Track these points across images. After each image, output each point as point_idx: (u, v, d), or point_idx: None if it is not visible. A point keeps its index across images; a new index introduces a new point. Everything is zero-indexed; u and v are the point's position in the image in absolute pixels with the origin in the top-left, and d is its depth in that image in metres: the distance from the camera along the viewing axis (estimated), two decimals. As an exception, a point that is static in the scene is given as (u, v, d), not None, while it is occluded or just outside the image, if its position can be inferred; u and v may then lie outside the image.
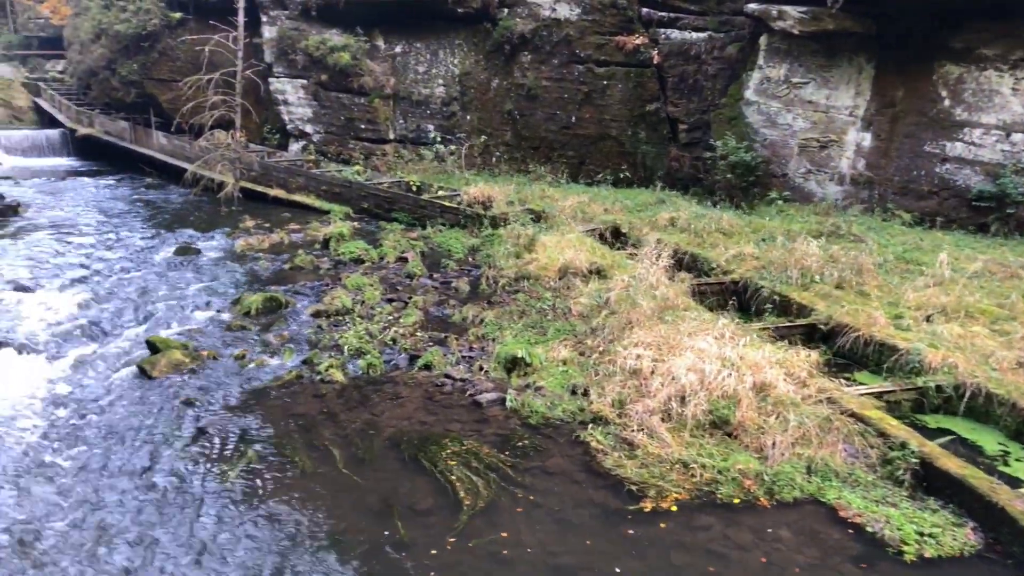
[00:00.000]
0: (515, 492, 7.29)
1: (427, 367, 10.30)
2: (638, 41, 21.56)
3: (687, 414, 8.12)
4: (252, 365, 10.54)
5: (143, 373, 10.20)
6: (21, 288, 13.70)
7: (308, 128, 25.16)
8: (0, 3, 60.15)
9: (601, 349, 9.95)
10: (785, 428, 7.77)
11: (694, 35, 21.01)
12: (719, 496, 7.13)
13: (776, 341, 9.68)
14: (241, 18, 22.39)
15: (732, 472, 7.35)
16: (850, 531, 6.66)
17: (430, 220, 18.63)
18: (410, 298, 13.05)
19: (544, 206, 17.73)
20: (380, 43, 24.47)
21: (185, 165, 25.92)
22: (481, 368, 10.20)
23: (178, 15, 27.15)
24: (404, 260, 15.54)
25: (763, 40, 18.74)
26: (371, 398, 9.49)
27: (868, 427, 7.70)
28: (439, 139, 23.76)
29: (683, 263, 13.37)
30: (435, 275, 14.60)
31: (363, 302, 12.84)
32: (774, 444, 7.63)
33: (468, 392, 9.54)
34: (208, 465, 7.82)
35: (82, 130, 33.11)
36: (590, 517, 6.95)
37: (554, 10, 22.26)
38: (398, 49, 24.54)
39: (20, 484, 7.46)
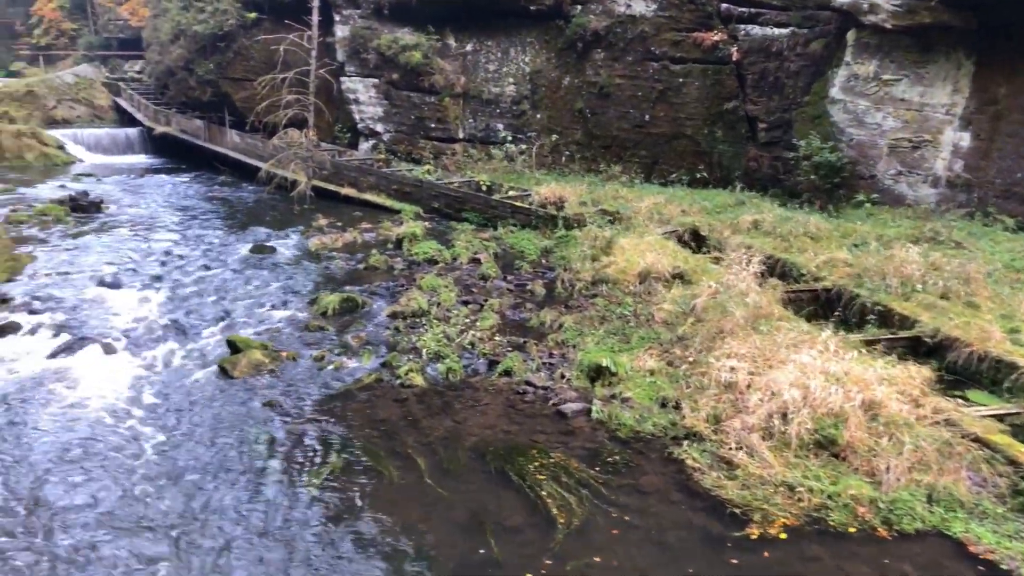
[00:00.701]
0: (609, 511, 6.93)
1: (507, 373, 10.02)
2: (716, 38, 20.88)
3: (790, 432, 7.62)
4: (331, 367, 10.43)
5: (224, 373, 10.20)
6: (105, 284, 13.96)
7: (378, 127, 25.21)
8: (82, 5, 62.72)
9: (691, 359, 9.50)
10: (900, 451, 7.21)
11: (776, 31, 20.22)
12: (831, 523, 6.64)
13: (878, 355, 9.07)
14: (315, 17, 22.53)
15: (843, 497, 6.85)
16: (981, 568, 6.10)
17: (501, 220, 18.37)
18: (486, 300, 12.81)
19: (618, 207, 17.27)
20: (451, 41, 24.35)
21: (258, 163, 26.33)
22: (563, 376, 9.87)
23: (253, 15, 27.57)
24: (477, 261, 15.32)
25: (851, 35, 17.89)
26: (452, 404, 9.26)
27: (994, 453, 7.09)
28: (509, 138, 23.50)
29: (771, 269, 12.76)
30: (509, 277, 14.33)
31: (439, 304, 12.65)
32: (888, 468, 7.08)
33: (551, 401, 9.22)
34: (292, 471, 7.69)
35: (159, 128, 34.03)
36: (690, 541, 6.55)
37: (629, 6, 21.74)
38: (469, 47, 24.38)
39: (106, 485, 7.45)
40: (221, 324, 12.18)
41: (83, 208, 20.65)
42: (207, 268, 15.24)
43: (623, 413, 8.65)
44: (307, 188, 21.86)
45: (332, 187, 22.85)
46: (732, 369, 8.78)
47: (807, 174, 18.04)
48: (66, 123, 38.59)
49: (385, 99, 24.92)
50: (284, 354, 10.82)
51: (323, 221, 19.50)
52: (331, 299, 12.76)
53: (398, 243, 16.86)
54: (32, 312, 12.40)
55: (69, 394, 9.59)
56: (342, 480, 7.50)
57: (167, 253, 16.48)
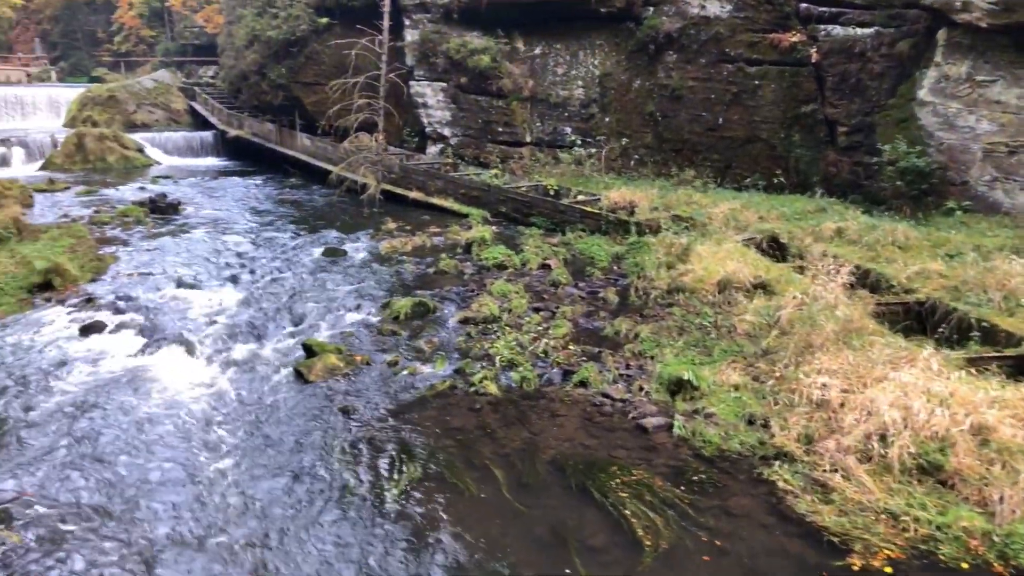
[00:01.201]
0: (698, 534, 6.62)
1: (583, 384, 9.77)
2: (795, 38, 20.22)
3: (890, 456, 7.17)
4: (405, 372, 10.35)
5: (300, 376, 10.23)
6: (184, 285, 14.25)
7: (446, 131, 25.27)
8: (160, 13, 65.07)
9: (778, 375, 9.09)
10: (1015, 480, 6.69)
11: (859, 31, 19.46)
12: (941, 557, 6.19)
13: (985, 374, 8.49)
14: (386, 22, 22.74)
15: (954, 529, 6.37)
16: (1113, 614, 5.59)
17: (569, 225, 18.12)
18: (557, 308, 12.59)
19: (692, 212, 16.84)
20: (520, 45, 24.25)
21: (327, 166, 26.73)
22: (641, 388, 9.56)
23: (325, 20, 28.02)
24: (547, 267, 15.11)
25: (941, 35, 17.03)
26: (528, 415, 9.06)
27: (1122, 486, 6.51)
28: (579, 142, 23.26)
29: (859, 280, 12.17)
30: (580, 284, 14.08)
31: (510, 310, 12.48)
32: (1002, 499, 6.58)
33: (630, 415, 8.93)
34: (369, 481, 7.60)
35: (232, 132, 34.93)
36: (786, 571, 6.19)
37: (703, 7, 21.25)
38: (537, 51, 24.23)
39: (184, 487, 7.49)
40: (296, 327, 12.27)
41: (162, 210, 21.24)
42: (281, 270, 15.43)
43: (707, 430, 8.30)
44: (376, 192, 22.02)
45: (400, 191, 22.98)
46: (824, 386, 8.35)
47: (892, 180, 17.25)
48: (145, 127, 40.00)
49: (453, 103, 24.97)
50: (358, 358, 10.80)
51: (392, 225, 19.60)
52: (403, 303, 12.73)
53: (467, 248, 16.79)
54: (116, 311, 12.73)
55: (151, 394, 9.74)
56: (420, 492, 7.37)
57: (242, 255, 16.77)
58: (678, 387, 9.29)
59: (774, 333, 10.21)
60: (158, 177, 29.46)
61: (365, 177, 22.56)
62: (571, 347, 10.93)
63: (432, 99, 25.16)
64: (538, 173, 23.11)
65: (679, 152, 22.40)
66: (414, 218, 20.65)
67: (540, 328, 11.72)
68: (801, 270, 12.55)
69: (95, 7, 71.19)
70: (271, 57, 30.08)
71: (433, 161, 24.81)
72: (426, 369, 10.52)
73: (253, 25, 30.32)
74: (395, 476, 7.65)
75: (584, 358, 10.57)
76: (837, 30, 19.90)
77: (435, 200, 22.05)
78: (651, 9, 22.28)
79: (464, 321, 12.22)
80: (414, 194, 22.66)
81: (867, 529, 6.52)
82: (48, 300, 13.46)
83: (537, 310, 12.55)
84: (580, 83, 23.64)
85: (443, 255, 16.27)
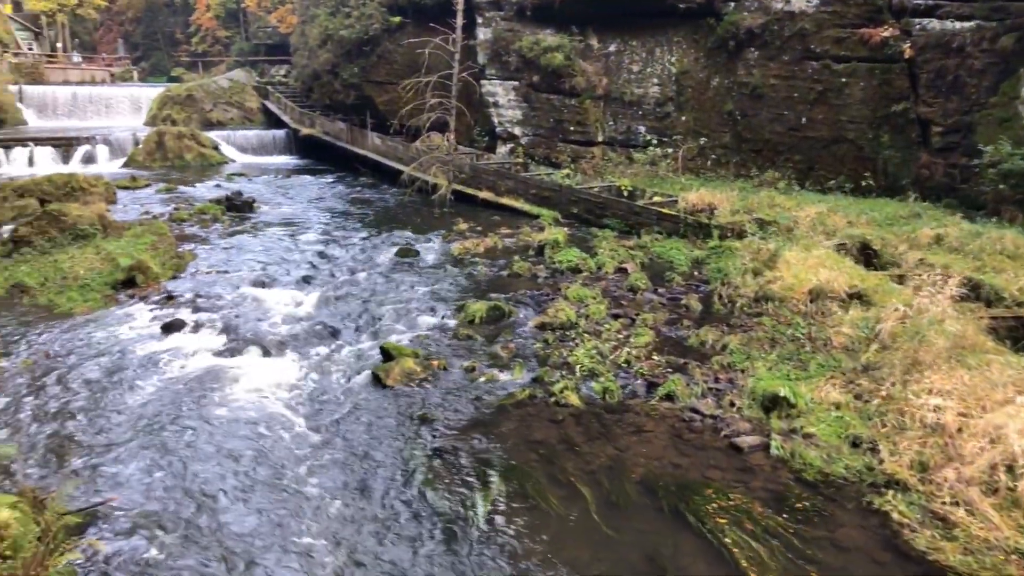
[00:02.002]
0: (807, 568, 6.14)
1: (669, 397, 9.32)
2: (886, 33, 19.21)
3: (1020, 490, 6.53)
4: (483, 379, 10.09)
5: (378, 381, 10.06)
6: (261, 284, 14.33)
7: (517, 130, 25.00)
8: (235, 14, 66.79)
9: (884, 394, 8.47)
10: None
11: (957, 24, 18.33)
12: (1086, 609, 5.57)
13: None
14: (459, 20, 22.56)
15: (1100, 577, 5.75)
16: None
17: (645, 228, 17.62)
18: (637, 314, 12.14)
19: (775, 216, 16.12)
20: (594, 42, 23.79)
21: (397, 166, 26.78)
22: (732, 404, 9.07)
23: (397, 19, 28.10)
24: (624, 271, 14.67)
25: (1052, 27, 15.90)
26: (612, 429, 8.67)
27: None
28: (655, 141, 22.68)
29: (968, 292, 11.36)
30: (660, 289, 13.59)
31: (587, 316, 12.11)
32: None
33: (722, 432, 8.46)
34: (451, 497, 7.33)
35: (304, 130, 35.43)
36: (909, 615, 5.66)
37: (788, 2, 20.41)
38: (612, 48, 23.73)
39: (264, 495, 7.37)
40: (371, 329, 12.15)
41: (238, 207, 21.57)
42: (355, 271, 15.39)
43: (808, 451, 7.77)
44: (447, 192, 21.90)
45: (470, 191, 22.81)
46: (937, 408, 7.73)
47: (994, 183, 16.19)
48: (220, 125, 40.99)
49: (524, 102, 24.68)
50: (435, 363, 10.59)
51: (463, 225, 19.42)
52: (478, 307, 12.48)
53: (540, 250, 16.46)
54: (196, 310, 12.84)
55: (230, 396, 9.71)
56: (504, 511, 7.06)
57: (316, 254, 16.83)
58: (773, 404, 8.77)
59: (874, 347, 9.58)
60: (233, 175, 30.06)
61: (436, 177, 22.46)
62: (654, 357, 10.49)
63: (503, 98, 24.92)
64: (610, 173, 22.63)
65: (759, 152, 21.60)
66: (484, 219, 20.44)
67: (620, 336, 11.31)
68: (902, 280, 11.80)
69: (174, 9, 73.64)
70: (344, 56, 30.36)
71: (503, 161, 24.58)
72: (504, 376, 10.23)
73: (326, 24, 30.65)
74: (478, 493, 7.36)
75: (669, 369, 10.11)
76: (933, 24, 18.80)
77: (505, 200, 21.80)
78: (732, 4, 21.54)
79: (541, 327, 11.90)
80: (484, 194, 22.46)
81: (997, 571, 5.94)
82: (131, 297, 13.69)
83: (616, 316, 12.14)
84: (655, 81, 23.04)
85: (516, 257, 15.99)
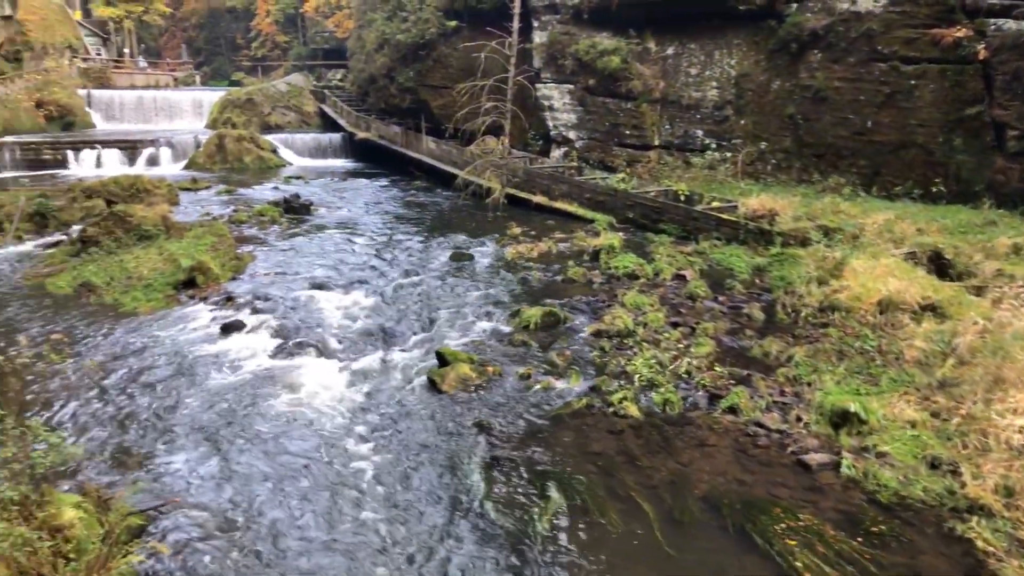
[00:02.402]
0: (884, 598, 5.82)
1: (732, 410, 9.03)
2: (959, 34, 18.42)
3: (1119, 521, 6.10)
4: (539, 387, 9.93)
5: (433, 386, 10.00)
6: (318, 287, 14.44)
7: (571, 134, 24.81)
8: (293, 20, 68.17)
9: (964, 412, 8.04)
10: None
11: (1037, 24, 17.49)
12: None
13: None
14: (516, 24, 22.48)
15: None
16: None
17: (703, 234, 17.24)
18: (697, 323, 11.83)
19: (840, 223, 15.58)
20: (651, 45, 23.46)
21: (451, 170, 26.86)
22: (799, 419, 8.73)
23: (453, 23, 28.18)
24: (682, 278, 14.34)
25: None
26: (673, 442, 8.43)
27: None
28: (713, 145, 22.23)
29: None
30: (720, 298, 13.24)
31: (645, 324, 11.84)
32: None
33: (788, 448, 8.14)
34: (509, 509, 7.19)
35: (360, 134, 35.83)
36: (998, 652, 5.31)
37: (854, 2, 19.77)
38: (670, 51, 23.37)
39: (321, 499, 7.33)
40: (426, 333, 12.11)
41: (295, 210, 21.87)
42: (410, 274, 15.40)
43: (882, 472, 7.41)
44: (501, 196, 21.82)
45: (524, 195, 22.70)
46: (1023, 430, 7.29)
47: (1076, 190, 15.39)
48: (278, 128, 41.76)
49: (580, 105, 24.48)
50: (490, 369, 10.48)
51: (517, 230, 19.31)
52: (533, 313, 12.34)
53: (595, 255, 16.23)
54: (254, 311, 13.00)
55: (288, 397, 9.76)
56: (564, 526, 6.89)
57: (372, 257, 16.91)
58: (842, 420, 8.41)
59: (951, 363, 9.13)
60: (290, 177, 30.55)
61: (490, 181, 22.41)
62: (716, 368, 10.19)
63: (558, 101, 24.76)
64: (667, 178, 22.26)
65: (821, 157, 20.96)
66: (538, 223, 20.29)
67: (680, 345, 11.03)
68: (978, 291, 11.25)
69: (236, 15, 75.54)
70: (400, 60, 30.61)
71: (557, 165, 24.41)
72: (560, 384, 10.06)
73: (383, 29, 30.96)
74: (537, 505, 7.20)
75: (731, 381, 9.81)
76: (1010, 24, 17.97)
77: (559, 205, 21.62)
78: (794, 6, 20.97)
79: (597, 334, 11.69)
80: (538, 198, 22.33)
81: (1095, 609, 5.53)
82: (192, 297, 13.94)
83: (675, 325, 11.85)
84: (714, 84, 22.59)
85: (570, 262, 15.80)
